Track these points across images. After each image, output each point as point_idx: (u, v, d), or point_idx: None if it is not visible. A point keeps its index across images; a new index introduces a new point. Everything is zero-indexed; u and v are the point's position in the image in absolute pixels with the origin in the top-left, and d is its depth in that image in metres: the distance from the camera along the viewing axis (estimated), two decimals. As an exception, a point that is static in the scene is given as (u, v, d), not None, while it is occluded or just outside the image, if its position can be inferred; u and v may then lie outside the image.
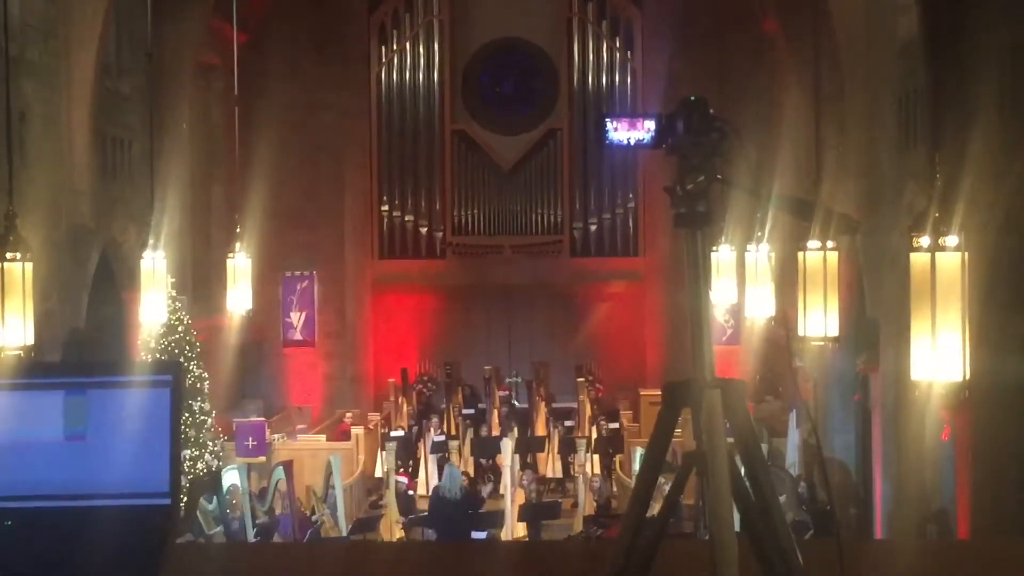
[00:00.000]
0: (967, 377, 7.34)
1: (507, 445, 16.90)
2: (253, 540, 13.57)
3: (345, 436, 20.09)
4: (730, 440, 2.30)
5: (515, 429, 19.73)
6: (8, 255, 9.17)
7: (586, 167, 24.71)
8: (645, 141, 2.39)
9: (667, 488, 2.42)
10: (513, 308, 25.18)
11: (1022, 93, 10.55)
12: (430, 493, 17.16)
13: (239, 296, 15.97)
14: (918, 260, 7.32)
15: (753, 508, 2.30)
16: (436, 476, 19.29)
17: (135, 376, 2.51)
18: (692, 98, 2.34)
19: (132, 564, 2.40)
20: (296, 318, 23.86)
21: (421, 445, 20.14)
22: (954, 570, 3.07)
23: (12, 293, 9.18)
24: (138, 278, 13.80)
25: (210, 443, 17.17)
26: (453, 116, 24.94)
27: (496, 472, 19.00)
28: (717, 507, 2.23)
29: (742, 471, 2.32)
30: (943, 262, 7.22)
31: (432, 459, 19.54)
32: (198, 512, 13.81)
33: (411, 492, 17.80)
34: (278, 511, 14.87)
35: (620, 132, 2.41)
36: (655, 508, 2.46)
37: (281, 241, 22.98)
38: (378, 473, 18.68)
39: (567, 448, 20.03)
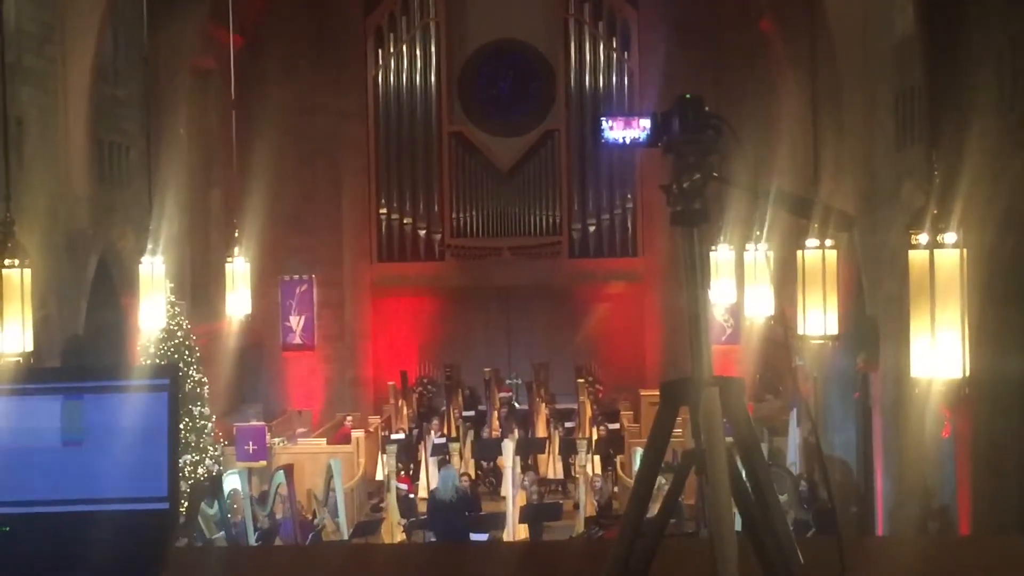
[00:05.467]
0: (967, 374, 7.33)
1: (508, 447, 16.86)
2: (254, 544, 13.55)
3: (345, 439, 20.07)
4: (730, 439, 2.29)
5: (515, 430, 19.69)
6: (6, 261, 9.18)
7: (584, 168, 24.70)
8: (641, 139, 2.39)
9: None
10: (512, 310, 25.17)
11: (1019, 89, 10.53)
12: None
13: (238, 300, 15.97)
14: (917, 257, 7.32)
15: (753, 506, 2.29)
16: (437, 478, 19.26)
17: (132, 381, 2.50)
18: (687, 96, 2.33)
19: (132, 569, 2.39)
20: (295, 322, 23.85)
21: (422, 448, 20.11)
22: (956, 567, 3.06)
23: (10, 299, 9.18)
24: (137, 283, 13.79)
25: (210, 448, 17.15)
26: (450, 118, 24.94)
27: (497, 474, 18.97)
28: (716, 506, 2.22)
29: (741, 469, 2.31)
30: (942, 259, 7.21)
31: (433, 461, 19.51)
32: (199, 517, 13.79)
33: (411, 495, 17.77)
34: (279, 515, 14.85)
35: (616, 131, 2.40)
36: (656, 508, 2.45)
37: (280, 245, 23.00)
38: (379, 476, 18.66)
39: (568, 449, 20.00)
